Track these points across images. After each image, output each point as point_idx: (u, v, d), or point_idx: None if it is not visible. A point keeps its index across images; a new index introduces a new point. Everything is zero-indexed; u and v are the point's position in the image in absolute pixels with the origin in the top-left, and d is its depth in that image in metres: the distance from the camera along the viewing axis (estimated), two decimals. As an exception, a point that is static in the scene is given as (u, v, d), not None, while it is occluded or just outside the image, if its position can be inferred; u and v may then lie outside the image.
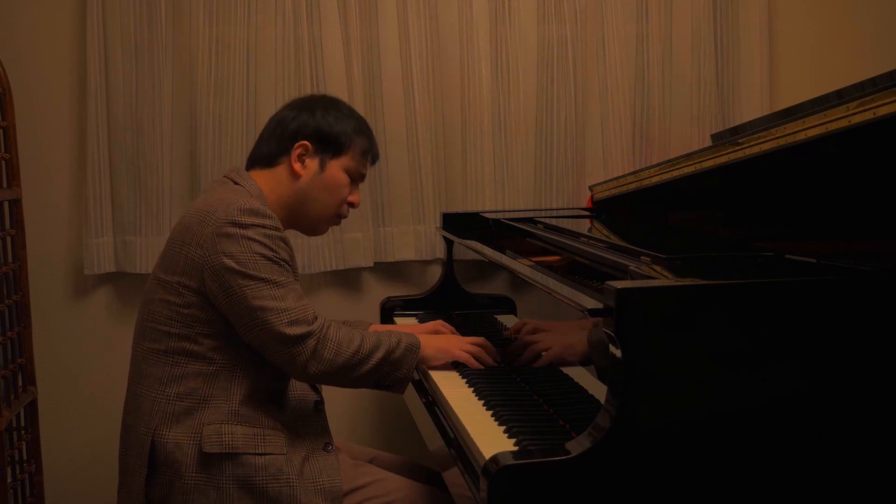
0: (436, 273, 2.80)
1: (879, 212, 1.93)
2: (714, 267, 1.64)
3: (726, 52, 2.84)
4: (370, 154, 1.97)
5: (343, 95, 2.64)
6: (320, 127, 1.89)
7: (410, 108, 2.71)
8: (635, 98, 2.82)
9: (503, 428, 1.60)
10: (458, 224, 2.62)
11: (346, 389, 1.88)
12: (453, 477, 1.60)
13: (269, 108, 2.60)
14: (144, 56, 2.60)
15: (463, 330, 2.21)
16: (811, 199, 2.08)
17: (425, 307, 2.61)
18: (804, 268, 1.62)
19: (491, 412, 1.69)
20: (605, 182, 2.58)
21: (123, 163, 2.61)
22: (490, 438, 1.55)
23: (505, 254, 2.17)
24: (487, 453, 1.40)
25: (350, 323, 2.17)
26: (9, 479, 2.35)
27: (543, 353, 1.94)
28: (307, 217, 1.93)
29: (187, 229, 1.76)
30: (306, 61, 2.65)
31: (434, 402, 1.88)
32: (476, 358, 1.94)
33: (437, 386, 1.88)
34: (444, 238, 2.64)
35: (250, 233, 1.71)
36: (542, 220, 2.33)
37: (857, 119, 1.52)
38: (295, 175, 1.88)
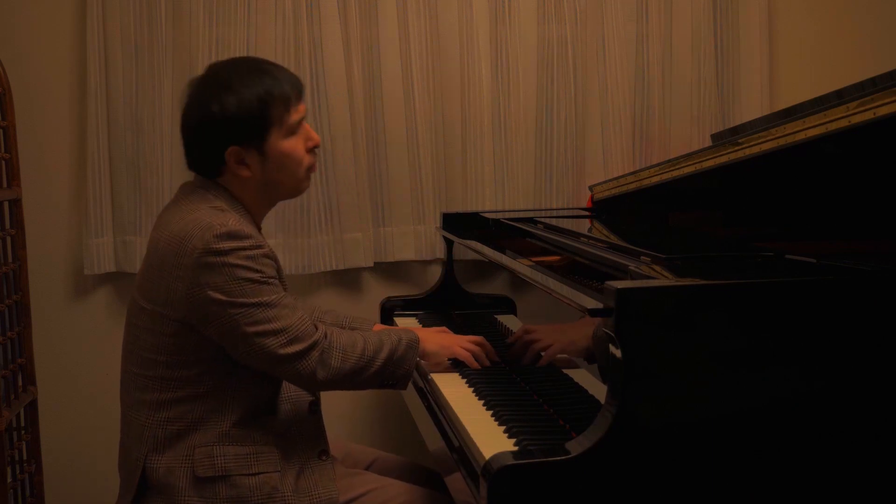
0: (436, 273, 2.80)
1: (879, 212, 1.93)
2: (714, 267, 1.64)
3: (726, 52, 2.84)
4: (292, 98, 1.76)
5: (343, 95, 2.65)
6: (230, 122, 1.71)
7: (410, 108, 2.71)
8: (635, 98, 2.82)
9: (503, 428, 1.60)
10: (458, 224, 2.62)
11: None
12: (454, 479, 1.60)
13: (269, 108, 2.61)
14: (144, 56, 2.60)
15: (463, 330, 2.21)
16: (811, 199, 2.08)
17: (425, 307, 2.61)
18: (804, 268, 1.62)
19: (491, 412, 1.69)
20: (605, 182, 2.58)
21: (123, 163, 2.61)
22: (490, 438, 1.55)
23: (505, 254, 2.17)
24: (487, 453, 1.40)
25: (353, 319, 2.18)
26: (9, 479, 2.35)
27: (543, 353, 1.94)
28: (283, 192, 1.82)
29: (164, 259, 1.68)
30: (306, 61, 2.65)
31: (434, 403, 1.88)
32: (475, 357, 1.94)
33: (437, 386, 1.88)
34: (444, 238, 2.64)
35: (231, 259, 1.63)
36: (542, 220, 2.33)
37: (857, 119, 1.52)
38: (245, 177, 1.75)
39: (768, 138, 1.76)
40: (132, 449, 1.73)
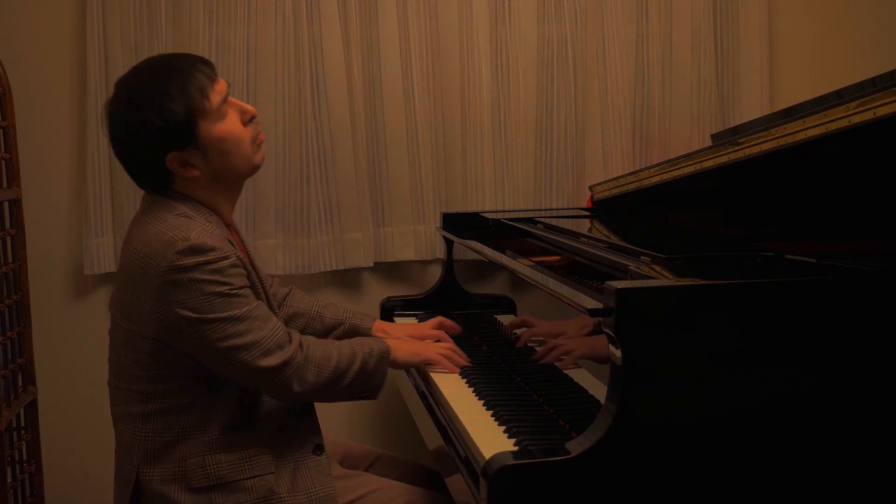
0: (436, 273, 2.80)
1: (879, 212, 1.93)
2: (714, 267, 1.64)
3: (726, 52, 2.84)
4: (206, 83, 1.69)
5: (343, 95, 2.65)
6: (158, 133, 1.65)
7: (410, 108, 2.71)
8: (635, 98, 2.82)
9: (503, 428, 1.60)
10: (458, 224, 2.62)
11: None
12: (454, 479, 1.60)
13: (268, 107, 2.61)
14: (144, 56, 2.57)
15: (463, 330, 2.21)
16: (811, 199, 2.08)
17: (425, 307, 2.61)
18: (804, 268, 1.62)
19: (491, 412, 1.69)
20: (605, 182, 2.58)
21: (123, 163, 2.61)
22: (490, 438, 1.55)
23: (505, 254, 2.17)
24: (487, 453, 1.40)
25: (354, 314, 2.17)
26: (9, 479, 2.35)
27: (565, 357, 1.92)
28: (239, 174, 1.76)
29: (132, 277, 1.65)
30: (306, 61, 2.65)
31: (434, 403, 1.88)
32: (448, 359, 1.96)
33: (437, 386, 1.88)
34: (444, 238, 2.64)
35: (196, 274, 1.59)
36: (542, 220, 2.33)
37: (857, 119, 1.52)
38: (196, 177, 1.71)
39: (768, 138, 1.76)
40: (124, 461, 1.73)
